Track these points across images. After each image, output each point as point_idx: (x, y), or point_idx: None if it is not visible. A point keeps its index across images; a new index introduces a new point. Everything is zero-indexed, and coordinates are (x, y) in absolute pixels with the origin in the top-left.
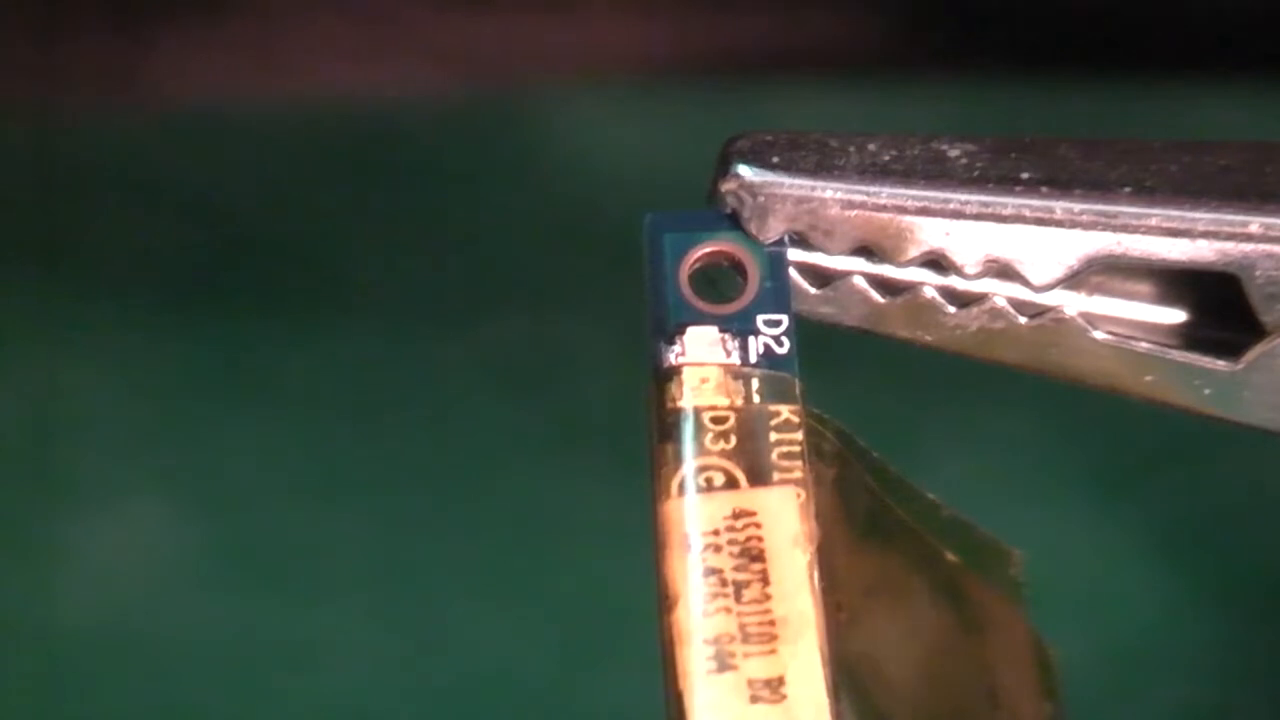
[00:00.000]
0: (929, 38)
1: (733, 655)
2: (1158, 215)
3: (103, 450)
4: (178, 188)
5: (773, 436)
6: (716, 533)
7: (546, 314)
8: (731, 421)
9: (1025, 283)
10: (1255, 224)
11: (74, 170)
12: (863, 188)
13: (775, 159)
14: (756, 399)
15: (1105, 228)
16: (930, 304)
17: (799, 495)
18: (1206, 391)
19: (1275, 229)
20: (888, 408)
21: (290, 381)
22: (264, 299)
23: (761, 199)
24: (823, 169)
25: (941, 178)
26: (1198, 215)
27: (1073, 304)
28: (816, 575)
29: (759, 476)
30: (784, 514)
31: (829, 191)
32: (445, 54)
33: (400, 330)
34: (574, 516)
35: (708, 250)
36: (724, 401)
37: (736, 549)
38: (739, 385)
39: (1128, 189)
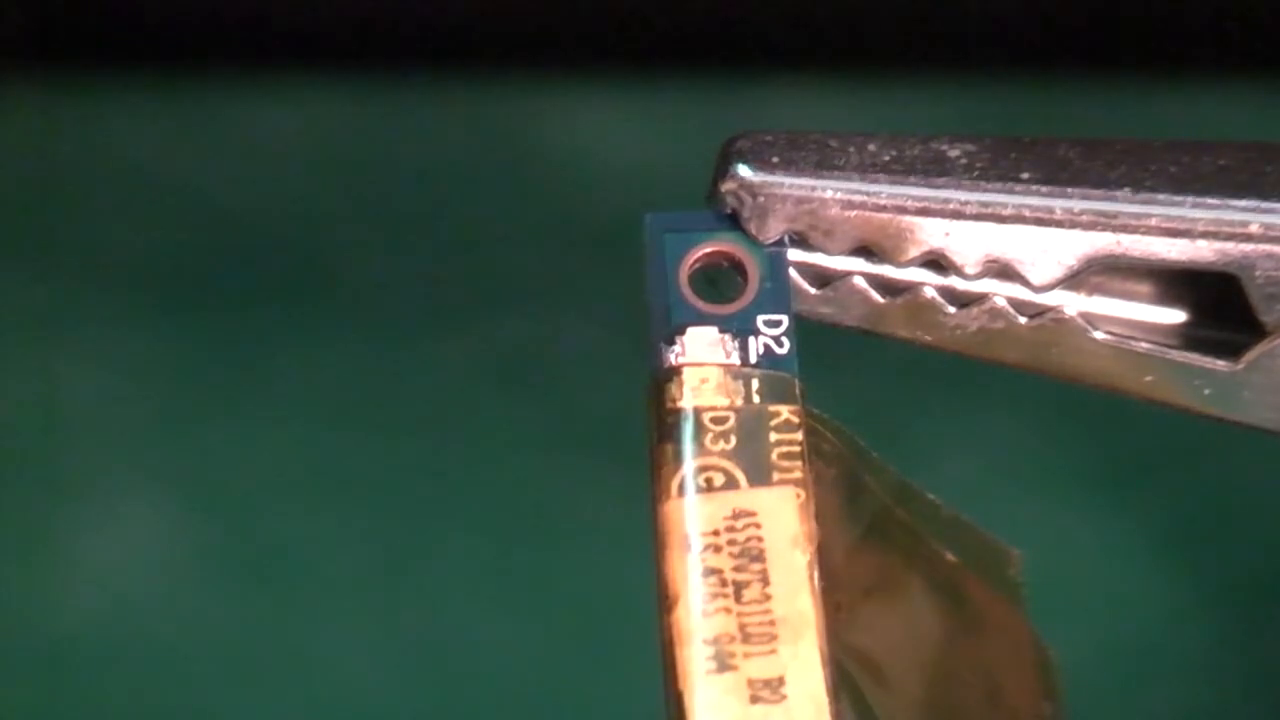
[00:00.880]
0: (929, 38)
1: (733, 655)
2: (1158, 215)
3: (103, 450)
4: (178, 188)
5: (773, 436)
6: (716, 533)
7: (546, 314)
8: (731, 422)
9: (1025, 283)
10: (1255, 224)
11: (74, 170)
12: (863, 188)
13: (775, 159)
14: (756, 399)
15: (1105, 228)
16: (930, 304)
17: (799, 495)
18: (1206, 391)
19: (1275, 229)
20: (888, 408)
21: (290, 381)
22: (264, 299)
23: (761, 199)
24: (823, 169)
25: (941, 178)
26: (1198, 215)
27: (1073, 304)
28: (816, 575)
29: (759, 476)
30: (784, 514)
31: (829, 191)
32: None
33: (400, 330)
34: (574, 516)
35: (708, 250)
36: (724, 401)
37: (736, 549)
38: (739, 385)
39: (1128, 189)
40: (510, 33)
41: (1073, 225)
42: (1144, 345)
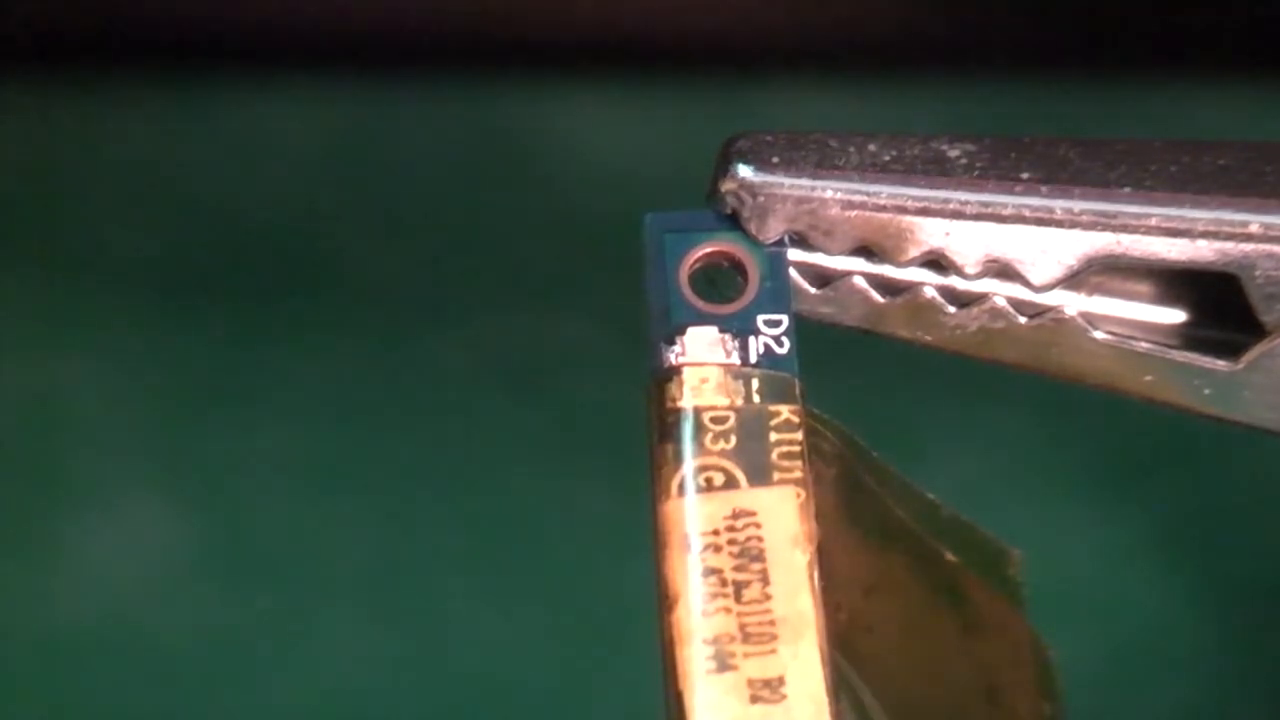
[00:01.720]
0: (929, 38)
1: (733, 655)
2: (1158, 215)
3: (103, 450)
4: (178, 188)
5: (773, 436)
6: (716, 533)
7: (546, 314)
8: (731, 421)
9: (1025, 283)
10: (1255, 224)
11: (74, 170)
12: (863, 188)
13: (775, 159)
14: (756, 399)
15: (1105, 228)
16: (930, 304)
17: (799, 495)
18: (1206, 391)
19: (1275, 229)
20: (888, 408)
21: (289, 380)
22: (264, 298)
23: (761, 199)
24: (823, 169)
25: (941, 178)
26: (1198, 215)
27: (1073, 304)
28: (816, 575)
29: (759, 476)
30: (784, 514)
31: (829, 191)
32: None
33: (400, 329)
34: (574, 516)
35: (708, 250)
36: (724, 401)
37: (736, 549)
38: (739, 385)
39: (1128, 189)
40: (510, 33)
41: (1073, 225)
42: (1144, 345)
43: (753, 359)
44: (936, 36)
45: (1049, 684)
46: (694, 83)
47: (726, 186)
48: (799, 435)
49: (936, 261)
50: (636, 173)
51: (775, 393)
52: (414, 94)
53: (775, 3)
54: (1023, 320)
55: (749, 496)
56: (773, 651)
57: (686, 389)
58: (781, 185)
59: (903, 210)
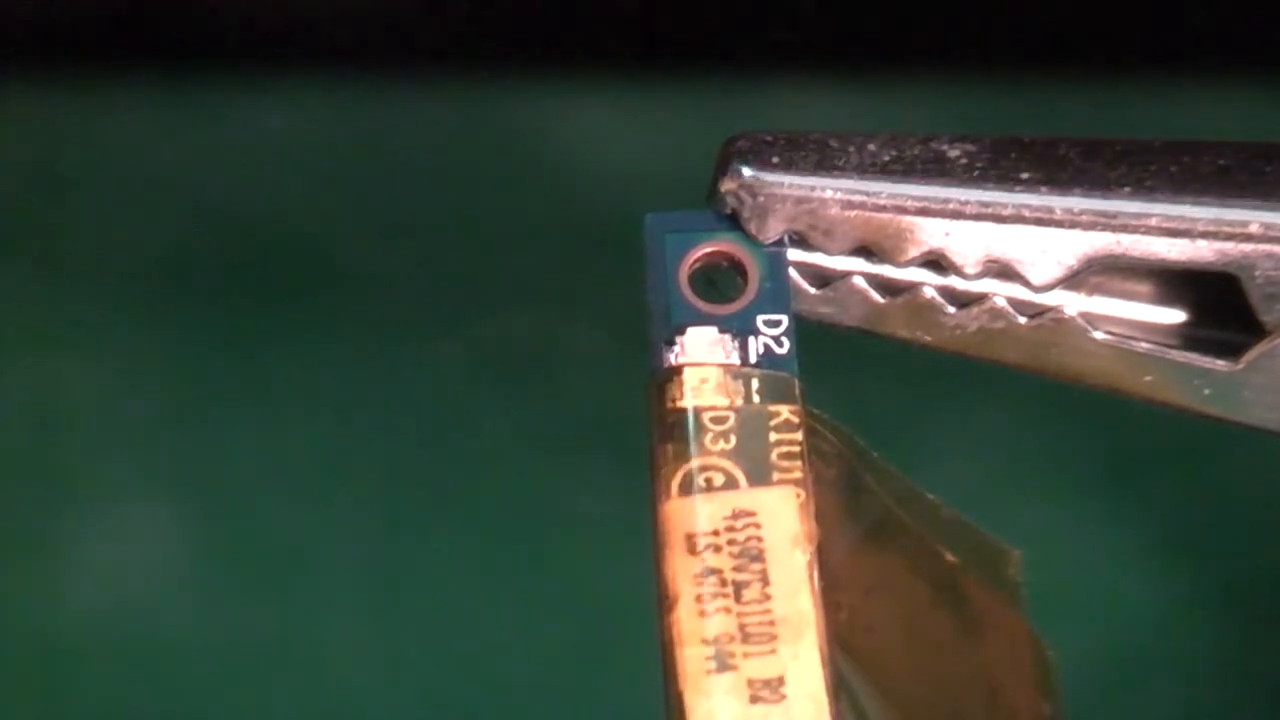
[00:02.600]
0: (929, 38)
1: (733, 655)
2: (1158, 215)
3: (103, 450)
4: (178, 188)
5: (773, 436)
6: (716, 533)
7: (546, 314)
8: (731, 421)
9: (1025, 283)
10: (1255, 224)
11: (74, 170)
12: (863, 188)
13: (775, 159)
14: (756, 399)
15: (1105, 228)
16: (930, 304)
17: (799, 495)
18: (1206, 391)
19: (1275, 229)
20: (888, 408)
21: (290, 381)
22: (264, 298)
23: (761, 199)
24: (823, 169)
25: (941, 178)
26: (1198, 215)
27: (1073, 304)
28: (816, 575)
29: (759, 476)
30: (784, 514)
31: (829, 191)
32: (444, 53)
33: (399, 329)
34: (574, 516)
35: (708, 250)
36: (724, 401)
37: (736, 549)
38: (739, 385)
39: (1128, 189)
40: (510, 33)
41: (1073, 225)
42: (1144, 345)
43: (753, 359)
44: (936, 36)
45: (1048, 684)
46: (694, 83)
47: (726, 186)
48: (799, 435)
49: (936, 261)
50: (637, 173)
51: (775, 393)
52: (414, 94)
53: (775, 3)
54: (1023, 320)
55: (749, 497)
56: (773, 651)
57: (686, 389)
58: (781, 185)
59: (902, 210)
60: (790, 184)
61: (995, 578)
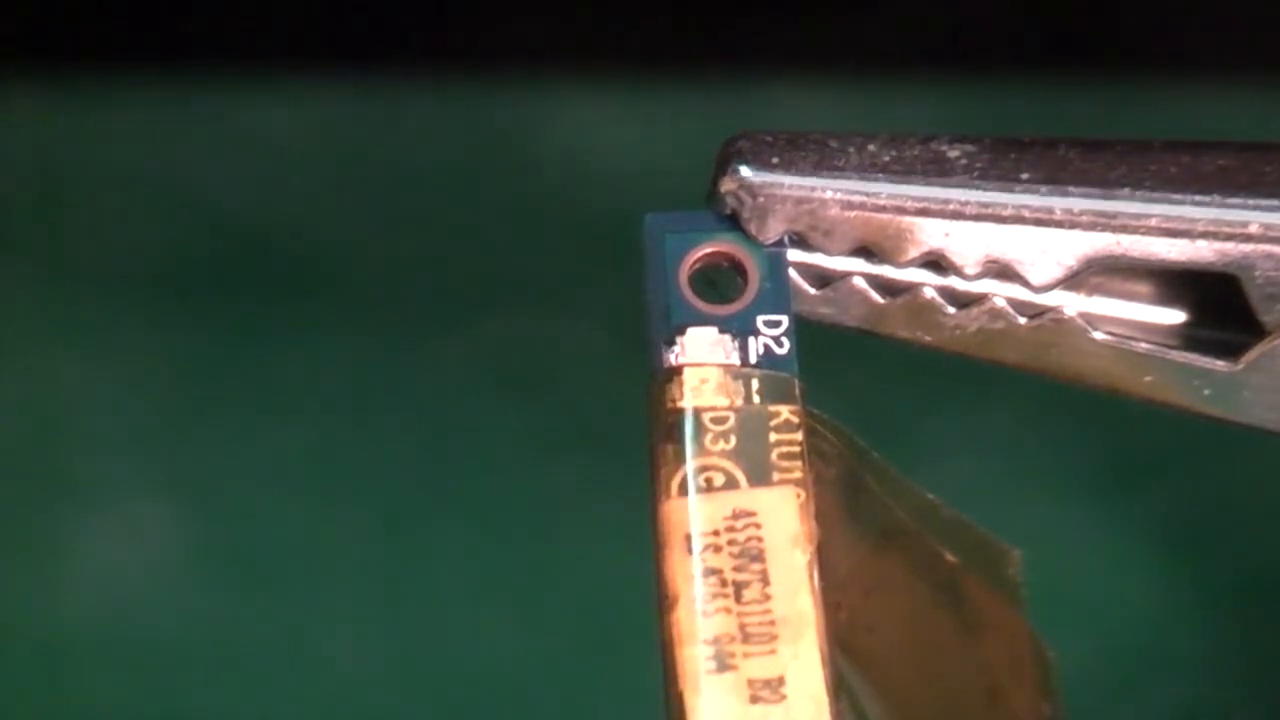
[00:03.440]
0: (928, 38)
1: (733, 655)
2: (1157, 215)
3: (103, 450)
4: (178, 188)
5: (773, 437)
6: (716, 533)
7: (546, 314)
8: (731, 422)
9: (1025, 283)
10: (1255, 224)
11: (74, 170)
12: (863, 188)
13: (775, 159)
14: (756, 399)
15: (1105, 228)
16: (930, 304)
17: (799, 495)
18: (1206, 391)
19: (1275, 229)
20: (888, 408)
21: (290, 381)
22: (264, 299)
23: (761, 199)
24: (822, 169)
25: (941, 178)
26: (1198, 215)
27: (1072, 304)
28: (816, 575)
29: (759, 477)
30: (784, 514)
31: (829, 192)
32: (444, 53)
33: (399, 330)
34: (574, 516)
35: (708, 251)
36: (724, 402)
37: (736, 549)
38: (739, 385)
39: (1127, 189)
40: (510, 33)
41: (1073, 225)
42: (1144, 345)
43: (753, 359)
44: (937, 36)
45: (1048, 684)
46: (694, 83)
47: (726, 187)
48: (799, 435)
49: (936, 262)
50: (636, 173)
51: (775, 393)
52: (414, 94)
53: (775, 3)
54: (1022, 321)
55: (749, 497)
56: (773, 651)
57: (686, 389)
58: (781, 185)
59: (902, 211)
60: (790, 184)
61: (995, 578)
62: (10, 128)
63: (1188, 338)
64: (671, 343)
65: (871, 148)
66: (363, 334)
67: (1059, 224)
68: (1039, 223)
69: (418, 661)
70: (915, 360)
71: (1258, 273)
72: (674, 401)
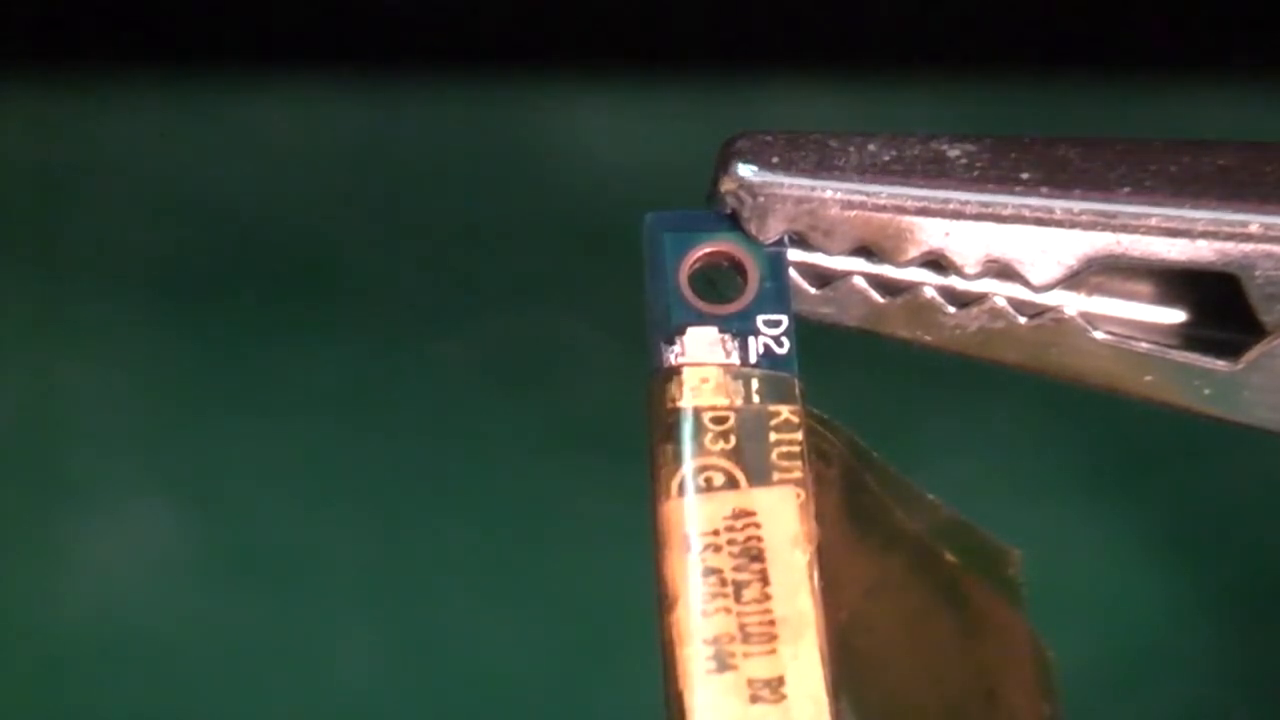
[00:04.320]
0: (929, 38)
1: (733, 655)
2: (1157, 215)
3: (103, 450)
4: (178, 188)
5: (772, 436)
6: (716, 533)
7: (546, 314)
8: (731, 421)
9: (1025, 283)
10: (1255, 224)
11: (74, 170)
12: (862, 188)
13: (775, 159)
14: (756, 399)
15: (1105, 228)
16: (930, 304)
17: (799, 495)
18: (1206, 391)
19: (1275, 229)
20: (888, 408)
21: (289, 381)
22: (264, 299)
23: (761, 199)
24: (822, 169)
25: (941, 178)
26: (1198, 215)
27: (1073, 304)
28: (816, 575)
29: (759, 476)
30: (784, 514)
31: (829, 191)
32: (445, 53)
33: (399, 330)
34: (574, 516)
35: (708, 250)
36: (724, 401)
37: (736, 549)
38: (739, 385)
39: (1128, 189)
40: (510, 33)
41: (1073, 225)
42: (1144, 345)
43: (753, 359)
44: (936, 36)
45: (1048, 684)
46: (694, 83)
47: (726, 186)
48: (799, 435)
49: (936, 262)
50: (636, 173)
51: (775, 393)
52: (414, 94)
53: (775, 3)
54: (1022, 320)
55: (749, 497)
56: (773, 651)
57: (686, 389)
58: (781, 185)
59: (902, 210)
60: (790, 184)
61: (995, 578)
62: (10, 128)
63: (1188, 338)
64: (671, 342)
65: (871, 148)
66: (363, 334)
67: (1059, 224)
68: (1039, 222)
69: (417, 661)
70: (915, 360)
71: (1258, 273)
72: (674, 401)
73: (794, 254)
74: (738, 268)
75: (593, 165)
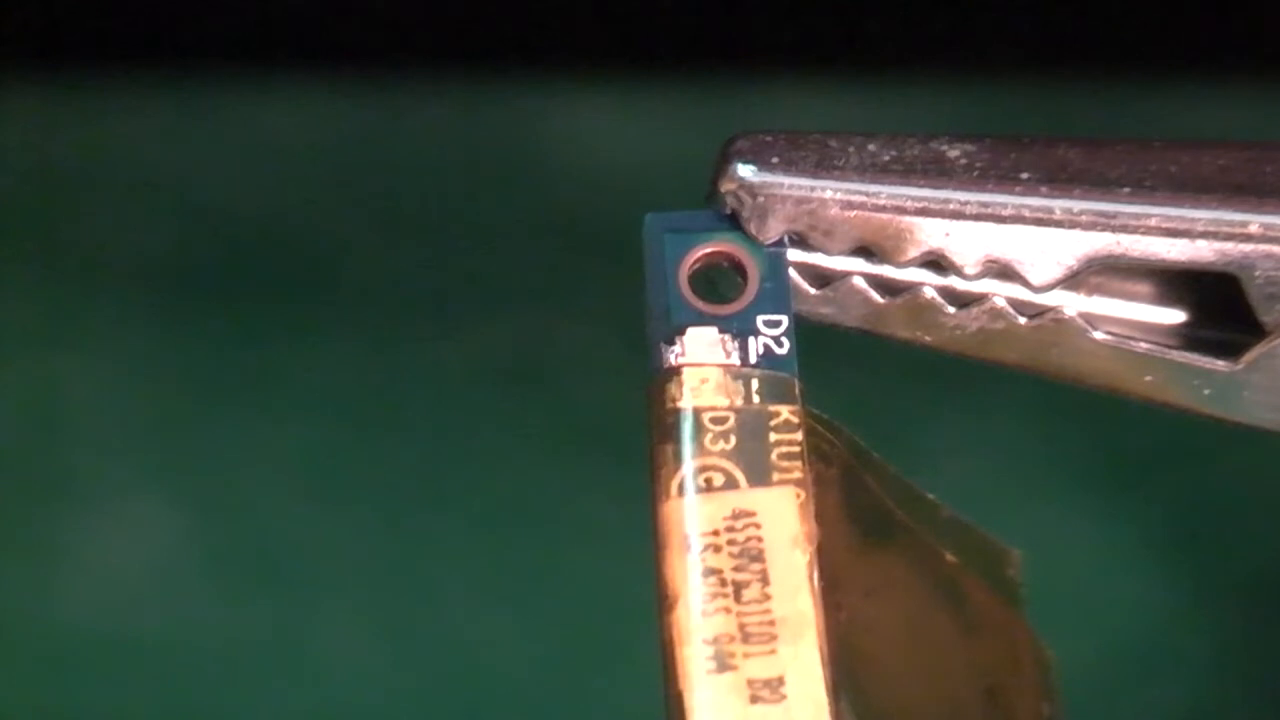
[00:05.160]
0: (929, 38)
1: (733, 655)
2: (1157, 215)
3: (103, 450)
4: (178, 188)
5: (772, 437)
6: (716, 533)
7: (546, 314)
8: (731, 422)
9: (1025, 283)
10: (1255, 224)
11: (74, 170)
12: (862, 188)
13: (775, 159)
14: (756, 399)
15: (1105, 228)
16: (930, 304)
17: (799, 495)
18: (1206, 391)
19: (1275, 229)
20: (888, 408)
21: (290, 381)
22: (264, 299)
23: (761, 199)
24: (822, 169)
25: (941, 178)
26: (1198, 215)
27: (1072, 304)
28: (816, 575)
29: (759, 477)
30: (784, 514)
31: (829, 192)
32: (444, 53)
33: (400, 330)
34: (574, 516)
35: (707, 251)
36: (724, 402)
37: (736, 549)
38: (739, 386)
39: (1127, 189)
40: (510, 33)
41: (1073, 225)
42: (1144, 345)
43: (752, 359)
44: (936, 36)
45: (1048, 684)
46: (694, 83)
47: (726, 186)
48: (799, 435)
49: (936, 262)
50: (636, 173)
51: (775, 393)
52: (414, 94)
53: (775, 3)
54: (1022, 321)
55: (749, 497)
56: (773, 652)
57: (686, 389)
58: (781, 185)
59: (902, 210)
60: (790, 184)
61: (995, 578)
62: (10, 128)
63: (1188, 338)
64: (671, 343)
65: (871, 148)
66: (363, 334)
67: (1059, 224)
68: (1039, 223)
69: (417, 660)
70: (915, 360)
71: (1258, 273)
72: (674, 401)
73: (794, 254)
74: (738, 268)
75: (593, 165)
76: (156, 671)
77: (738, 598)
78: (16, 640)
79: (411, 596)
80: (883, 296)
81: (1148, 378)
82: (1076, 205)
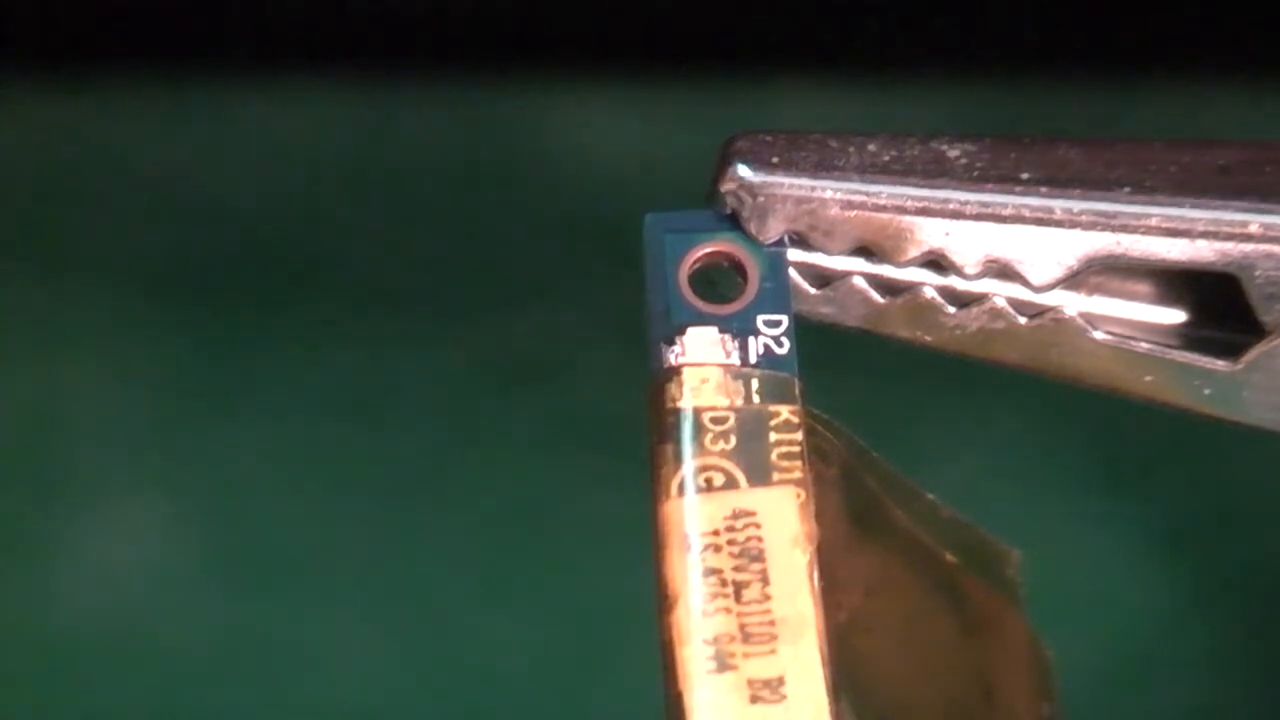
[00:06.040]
0: (929, 37)
1: (733, 655)
2: (1157, 215)
3: (103, 450)
4: (178, 188)
5: (772, 437)
6: (716, 533)
7: (546, 314)
8: (731, 422)
9: (1025, 283)
10: (1255, 224)
11: (74, 170)
12: (863, 188)
13: (775, 159)
14: (756, 399)
15: (1105, 228)
16: (930, 304)
17: (799, 495)
18: (1206, 391)
19: (1275, 229)
20: (888, 408)
21: (290, 381)
22: (264, 299)
23: (761, 199)
24: (823, 169)
25: (941, 178)
26: (1198, 215)
27: (1073, 304)
28: (816, 575)
29: (759, 477)
30: (784, 514)
31: (829, 191)
32: (444, 53)
33: (401, 330)
34: (574, 516)
35: (708, 251)
36: (724, 402)
37: (736, 549)
38: (739, 385)
39: (1127, 189)
40: (510, 33)
41: (1073, 225)
42: (1144, 345)
43: (753, 359)
44: (936, 36)
45: (1047, 684)
46: (694, 83)
47: (726, 186)
48: (799, 435)
49: (936, 262)
50: (637, 173)
51: (775, 393)
52: (414, 94)
53: (777, 3)
54: (1022, 320)
55: (749, 497)
56: (773, 652)
57: (686, 389)
58: (781, 185)
59: (902, 210)
60: (790, 184)
61: (995, 578)
62: (10, 128)
63: (1188, 338)
64: (671, 342)
65: (871, 148)
66: (363, 334)
67: (1059, 224)
68: (1039, 223)
69: (417, 660)
70: (915, 360)
71: (1258, 273)
72: (674, 401)
73: (794, 254)
74: (738, 268)
75: (593, 165)
76: (156, 671)
77: (738, 598)
78: (16, 640)
79: (412, 596)
80: (883, 296)
81: (1148, 378)
82: (1076, 205)
